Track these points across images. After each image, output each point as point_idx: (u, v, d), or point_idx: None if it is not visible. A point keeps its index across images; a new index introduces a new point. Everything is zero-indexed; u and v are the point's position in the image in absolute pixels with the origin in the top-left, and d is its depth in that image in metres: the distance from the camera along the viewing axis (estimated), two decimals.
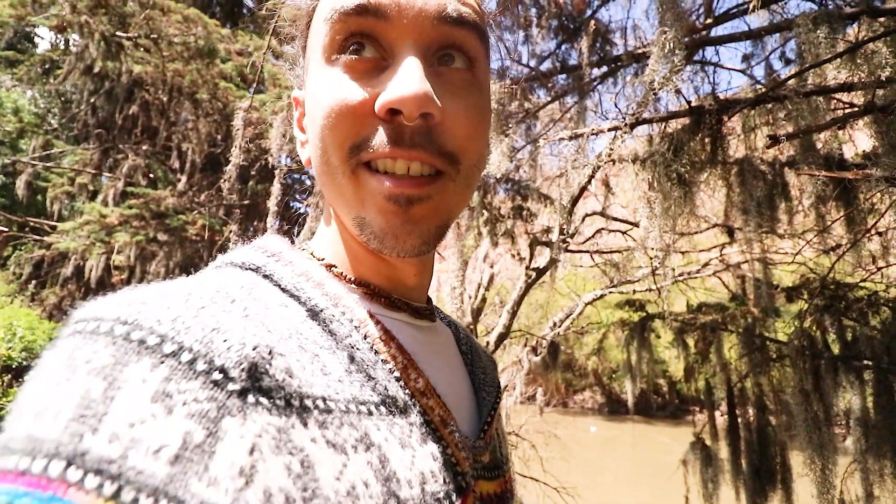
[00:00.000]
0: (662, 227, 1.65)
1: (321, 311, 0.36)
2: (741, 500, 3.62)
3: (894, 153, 1.40)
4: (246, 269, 0.39)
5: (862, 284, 3.58)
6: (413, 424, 0.35)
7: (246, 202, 8.76)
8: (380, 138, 0.36)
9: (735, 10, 2.62)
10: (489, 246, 5.15)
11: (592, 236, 5.14)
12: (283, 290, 0.37)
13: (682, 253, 5.03)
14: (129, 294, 0.30)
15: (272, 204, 4.57)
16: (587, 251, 5.17)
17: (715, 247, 4.75)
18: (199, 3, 8.54)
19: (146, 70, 6.73)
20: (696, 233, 4.63)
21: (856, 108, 1.60)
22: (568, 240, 4.17)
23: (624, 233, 5.00)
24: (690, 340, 4.33)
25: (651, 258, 3.62)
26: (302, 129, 0.48)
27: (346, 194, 0.38)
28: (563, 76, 2.67)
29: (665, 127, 1.82)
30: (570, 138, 1.86)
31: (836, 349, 3.58)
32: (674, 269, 4.88)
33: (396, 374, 0.36)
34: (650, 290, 4.82)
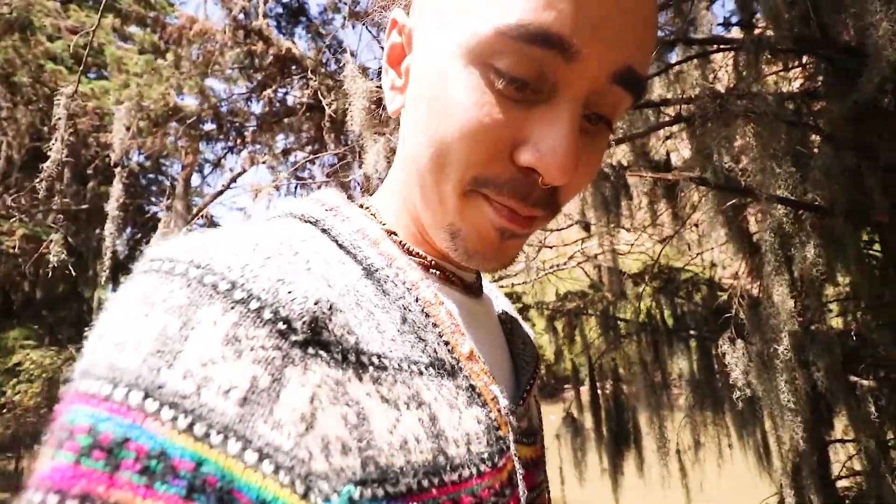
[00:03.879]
0: None
1: (376, 270, 0.36)
2: (603, 463, 4.12)
3: (701, 158, 1.73)
4: (305, 221, 0.38)
5: (687, 268, 4.37)
6: (460, 388, 0.36)
7: (84, 206, 7.50)
8: (507, 187, 0.34)
9: None
10: None
11: None
12: (340, 246, 0.37)
13: (550, 247, 5.54)
14: (199, 238, 0.31)
15: (112, 208, 3.98)
16: None
17: (577, 241, 5.34)
18: None
19: None
20: (562, 229, 5.19)
21: (668, 119, 1.96)
22: None
23: None
24: (559, 325, 4.82)
25: (524, 253, 3.95)
26: (396, 66, 0.42)
27: (446, 203, 0.36)
28: None
29: None
30: None
31: (671, 323, 4.28)
32: (544, 262, 5.37)
33: (445, 338, 0.36)
34: (525, 282, 5.23)
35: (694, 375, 3.88)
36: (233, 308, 0.27)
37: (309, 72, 2.23)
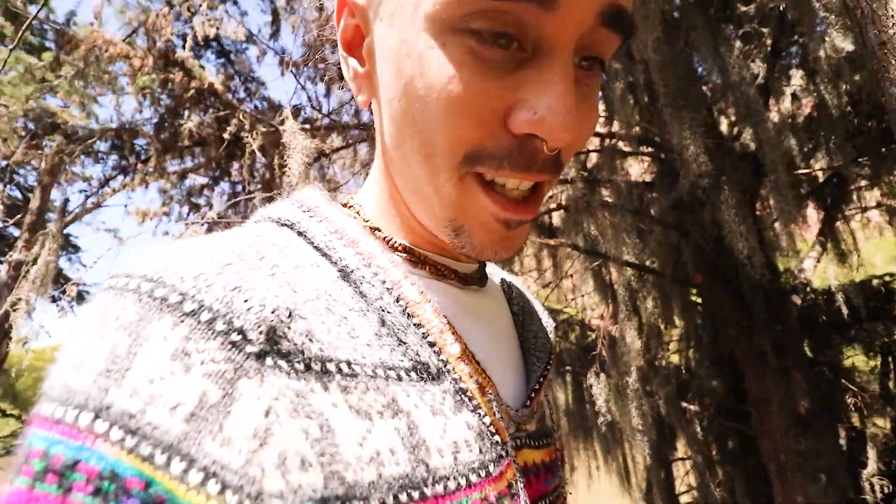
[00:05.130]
0: None
1: (352, 271, 0.35)
2: None
3: (574, 228, 2.19)
4: (282, 224, 0.37)
5: (564, 311, 5.04)
6: (446, 392, 0.33)
7: None
8: (506, 160, 0.32)
9: None
10: None
11: None
12: (316, 248, 0.36)
13: None
14: (164, 250, 0.30)
15: None
16: None
17: None
18: None
19: None
20: None
21: (553, 206, 2.45)
22: None
23: None
24: None
25: None
26: (356, 52, 0.38)
27: (442, 196, 0.34)
28: (357, 131, 3.03)
29: None
30: None
31: None
32: None
33: (430, 339, 0.34)
34: None
35: (569, 406, 4.41)
36: (182, 321, 0.26)
37: (240, 115, 2.30)
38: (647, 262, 2.40)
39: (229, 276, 0.28)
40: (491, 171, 0.32)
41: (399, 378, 0.31)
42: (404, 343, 0.33)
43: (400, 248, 0.39)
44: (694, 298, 3.42)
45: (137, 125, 3.31)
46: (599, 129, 2.88)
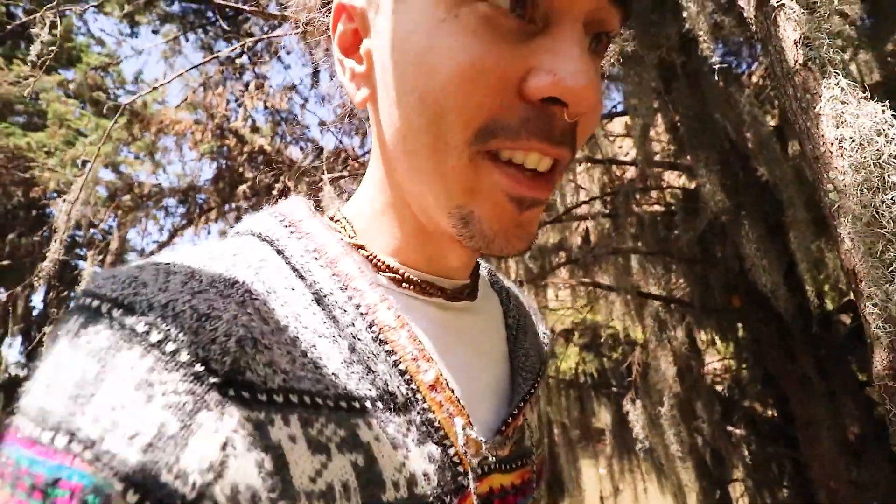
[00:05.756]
0: None
1: (325, 296, 0.34)
2: None
3: (599, 267, 2.27)
4: (262, 240, 0.37)
5: (610, 324, 5.00)
6: (412, 422, 0.33)
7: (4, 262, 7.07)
8: (523, 129, 0.31)
9: None
10: None
11: None
12: (293, 268, 0.35)
13: None
14: (131, 271, 0.30)
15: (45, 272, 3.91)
16: None
17: None
18: None
19: None
20: None
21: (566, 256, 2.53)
22: None
23: None
24: None
25: None
26: (354, 54, 0.39)
27: (450, 179, 0.33)
28: None
29: None
30: None
31: (596, 377, 4.80)
32: None
33: (402, 366, 0.34)
34: None
35: (616, 427, 4.37)
36: (149, 352, 0.26)
37: (287, 176, 2.58)
38: (675, 293, 2.43)
39: (198, 303, 0.28)
40: (508, 144, 0.32)
41: (363, 409, 0.31)
42: (373, 371, 0.33)
43: (384, 266, 0.38)
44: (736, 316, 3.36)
45: (200, 186, 3.74)
46: (621, 158, 2.96)
